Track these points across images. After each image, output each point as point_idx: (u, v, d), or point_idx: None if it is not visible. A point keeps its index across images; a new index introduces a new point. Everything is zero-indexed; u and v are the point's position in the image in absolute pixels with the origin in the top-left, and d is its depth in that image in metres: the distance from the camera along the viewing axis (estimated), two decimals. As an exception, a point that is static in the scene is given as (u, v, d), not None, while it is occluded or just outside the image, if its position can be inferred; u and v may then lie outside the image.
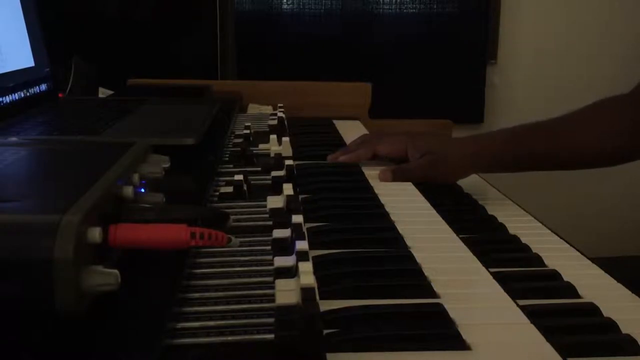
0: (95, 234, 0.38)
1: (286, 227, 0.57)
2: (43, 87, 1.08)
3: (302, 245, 0.51)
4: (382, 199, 0.76)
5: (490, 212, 0.79)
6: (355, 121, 1.34)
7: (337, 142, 1.09)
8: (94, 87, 1.43)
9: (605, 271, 0.61)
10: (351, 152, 0.95)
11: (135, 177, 0.50)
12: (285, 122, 1.10)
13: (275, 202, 0.65)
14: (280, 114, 1.14)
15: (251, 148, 0.93)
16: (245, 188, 0.73)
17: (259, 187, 0.75)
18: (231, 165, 0.86)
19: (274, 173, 0.76)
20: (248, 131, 0.99)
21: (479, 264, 0.60)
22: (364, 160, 0.94)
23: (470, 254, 0.62)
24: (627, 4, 2.46)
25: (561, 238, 0.71)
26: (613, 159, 0.96)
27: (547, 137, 0.94)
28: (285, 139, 0.89)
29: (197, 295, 0.49)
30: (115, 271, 0.38)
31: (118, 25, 1.91)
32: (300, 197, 0.71)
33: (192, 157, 0.77)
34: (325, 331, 0.43)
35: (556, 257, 0.64)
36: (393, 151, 0.93)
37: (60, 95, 1.19)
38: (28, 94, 1.01)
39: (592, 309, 0.52)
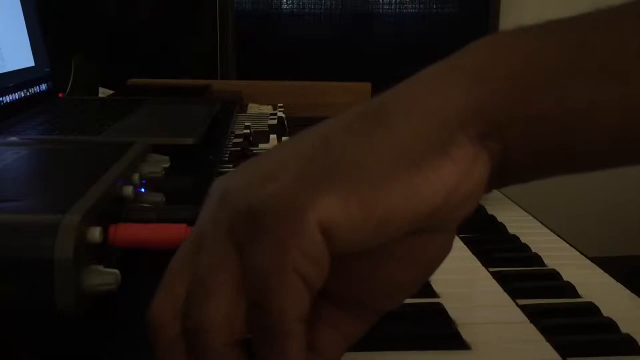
0: (95, 234, 0.38)
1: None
2: (43, 87, 1.08)
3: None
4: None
5: (490, 212, 0.79)
6: (355, 121, 1.34)
7: (337, 142, 1.09)
8: (94, 87, 1.43)
9: (605, 271, 0.61)
10: None
11: (136, 177, 0.50)
12: (285, 122, 1.10)
13: (275, 202, 0.65)
14: (280, 114, 1.14)
15: (251, 148, 0.93)
16: (245, 188, 0.72)
17: (259, 187, 0.75)
18: (231, 165, 0.86)
19: (274, 173, 0.76)
20: (248, 131, 0.99)
21: (479, 264, 0.60)
22: None
23: (470, 253, 0.62)
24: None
25: (561, 238, 0.71)
26: None
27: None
28: (285, 139, 0.89)
29: (197, 295, 0.49)
30: (116, 271, 0.38)
31: (118, 25, 1.91)
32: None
33: (192, 157, 0.77)
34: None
35: (556, 257, 0.64)
36: None
37: (60, 95, 1.19)
38: (28, 94, 1.01)
39: (591, 309, 0.52)
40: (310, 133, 0.31)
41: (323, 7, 2.44)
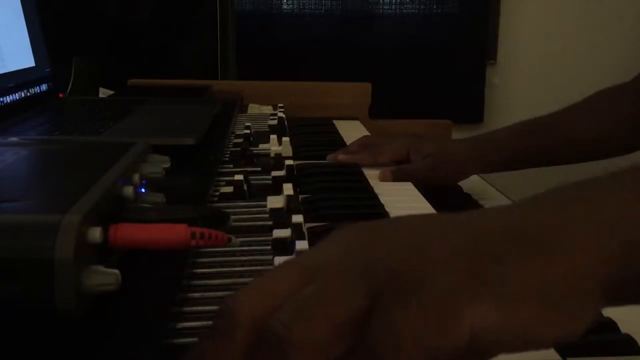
0: (95, 234, 0.38)
1: (286, 227, 0.57)
2: (43, 87, 1.08)
3: (302, 245, 0.51)
4: (382, 199, 0.76)
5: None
6: (355, 121, 1.34)
7: (337, 142, 1.09)
8: (94, 87, 1.43)
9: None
10: (351, 153, 0.95)
11: (136, 177, 0.50)
12: (285, 122, 1.10)
13: (275, 202, 0.65)
14: (280, 114, 1.14)
15: (251, 148, 0.93)
16: (245, 188, 0.73)
17: (259, 187, 0.75)
18: (231, 165, 0.86)
19: (274, 173, 0.76)
20: (248, 131, 0.99)
21: (478, 264, 0.60)
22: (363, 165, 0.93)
23: (470, 253, 0.62)
24: (626, 4, 2.46)
25: (561, 238, 0.71)
26: (611, 151, 0.93)
27: (545, 131, 0.92)
28: (285, 139, 0.89)
29: (197, 295, 0.49)
30: (116, 271, 0.38)
31: (118, 25, 1.91)
32: (300, 197, 0.71)
33: (192, 157, 0.77)
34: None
35: (556, 257, 0.64)
36: (395, 158, 0.93)
37: (60, 95, 1.19)
38: (29, 94, 1.01)
39: (591, 309, 0.52)
40: (455, 229, 0.34)
41: (323, 7, 2.44)
